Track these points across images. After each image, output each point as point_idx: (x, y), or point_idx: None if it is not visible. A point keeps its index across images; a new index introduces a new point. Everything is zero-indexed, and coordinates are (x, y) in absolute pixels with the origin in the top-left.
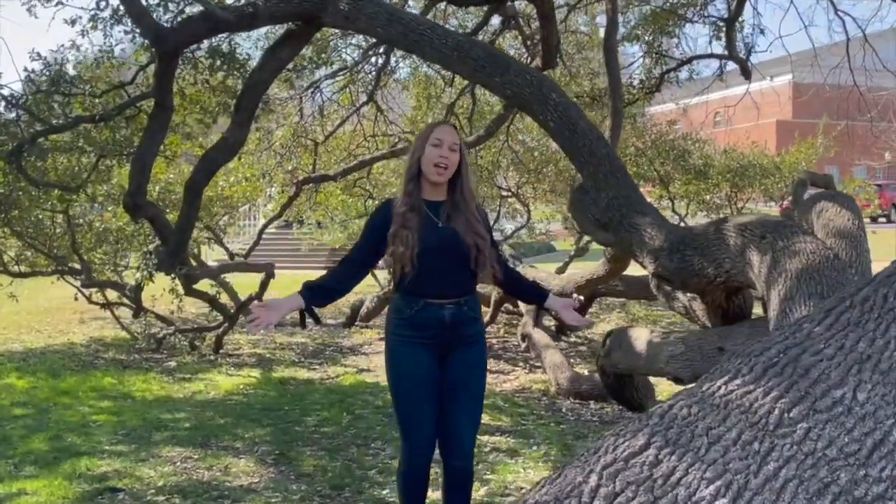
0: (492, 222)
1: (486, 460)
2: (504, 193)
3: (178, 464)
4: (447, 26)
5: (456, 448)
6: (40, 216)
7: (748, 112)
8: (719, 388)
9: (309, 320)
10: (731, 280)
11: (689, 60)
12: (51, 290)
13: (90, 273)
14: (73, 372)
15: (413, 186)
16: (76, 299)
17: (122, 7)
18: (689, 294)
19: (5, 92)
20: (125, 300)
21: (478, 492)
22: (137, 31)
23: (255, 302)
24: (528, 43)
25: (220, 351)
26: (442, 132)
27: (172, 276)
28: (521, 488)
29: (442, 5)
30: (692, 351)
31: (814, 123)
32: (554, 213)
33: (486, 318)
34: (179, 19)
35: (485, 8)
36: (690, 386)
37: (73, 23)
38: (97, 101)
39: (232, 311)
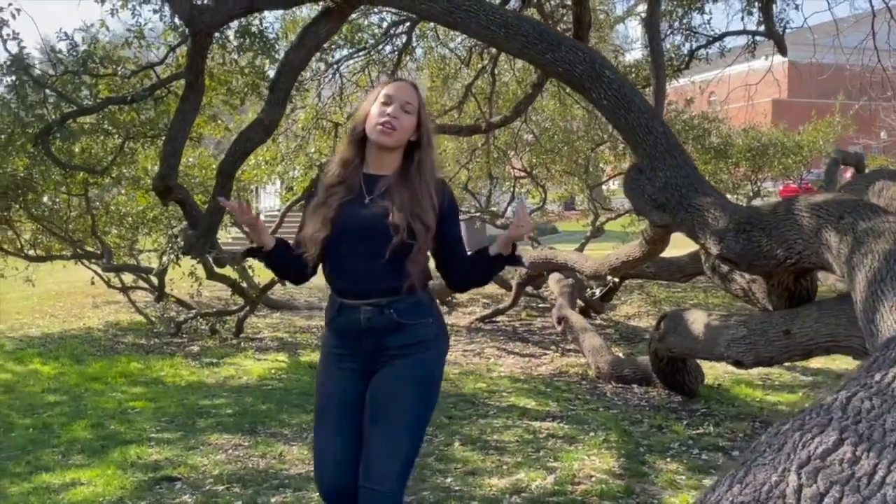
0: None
1: (546, 447)
2: (518, 174)
3: (230, 451)
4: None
5: (364, 469)
6: (56, 199)
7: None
8: (893, 378)
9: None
10: (804, 262)
11: (721, 37)
12: (60, 274)
13: (111, 257)
14: (96, 357)
15: (351, 155)
16: (93, 283)
17: None
18: (747, 276)
19: (34, 73)
20: (141, 284)
21: (545, 480)
22: (169, 9)
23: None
24: (549, 22)
25: (241, 335)
26: (393, 88)
27: (197, 259)
28: (591, 476)
29: None
30: (755, 334)
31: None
32: (565, 193)
33: (508, 302)
34: None
35: None
36: (856, 376)
37: (102, 1)
38: (128, 81)
39: (254, 295)
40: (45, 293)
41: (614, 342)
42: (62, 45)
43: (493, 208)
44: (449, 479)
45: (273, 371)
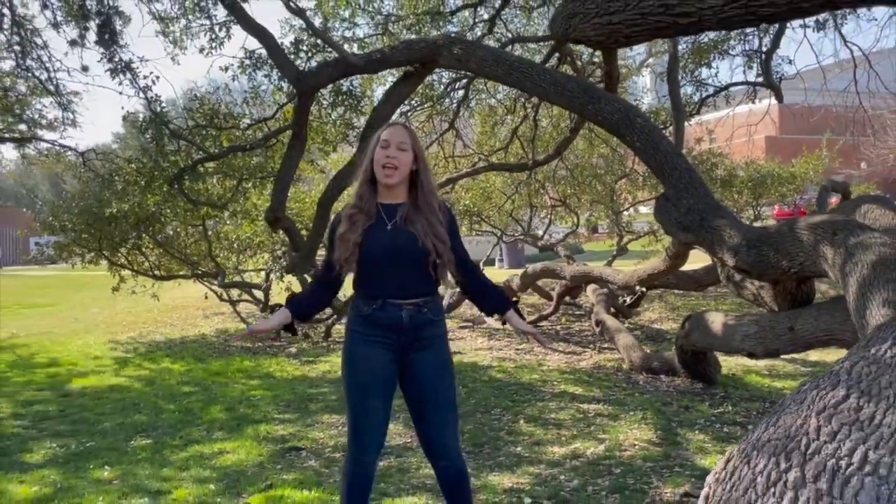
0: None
1: (595, 423)
2: (553, 203)
3: (341, 428)
4: None
5: (440, 450)
6: (178, 229)
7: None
8: (885, 351)
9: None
10: (805, 271)
11: (727, 87)
12: (174, 291)
13: (225, 276)
14: (214, 357)
15: (365, 190)
16: (206, 298)
17: (268, 56)
18: (757, 283)
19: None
20: (245, 297)
21: (597, 448)
22: (279, 74)
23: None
24: (582, 76)
25: (329, 338)
26: (389, 133)
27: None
28: (634, 444)
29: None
30: (764, 331)
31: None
32: (593, 219)
33: (549, 310)
34: (314, 63)
35: (547, 45)
36: (855, 350)
37: (226, 69)
38: (244, 133)
39: (339, 306)
40: (164, 307)
41: (642, 341)
42: (193, 104)
43: (533, 232)
44: (518, 448)
45: None
